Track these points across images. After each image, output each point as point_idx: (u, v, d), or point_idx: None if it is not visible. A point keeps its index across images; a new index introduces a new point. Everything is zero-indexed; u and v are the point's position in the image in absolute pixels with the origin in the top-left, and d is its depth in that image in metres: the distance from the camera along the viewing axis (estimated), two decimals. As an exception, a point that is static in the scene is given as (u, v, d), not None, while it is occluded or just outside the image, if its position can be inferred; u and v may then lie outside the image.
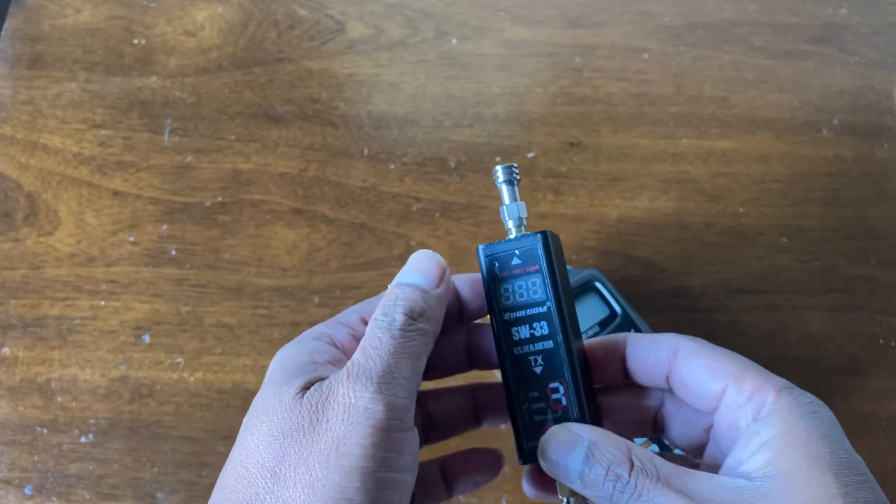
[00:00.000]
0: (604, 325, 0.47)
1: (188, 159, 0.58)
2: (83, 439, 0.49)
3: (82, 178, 0.57)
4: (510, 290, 0.32)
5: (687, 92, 0.60)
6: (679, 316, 0.53)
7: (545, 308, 0.31)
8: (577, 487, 0.28)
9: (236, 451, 0.28)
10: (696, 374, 0.30)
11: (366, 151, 0.58)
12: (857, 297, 0.54)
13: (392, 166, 0.58)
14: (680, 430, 0.32)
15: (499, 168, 0.33)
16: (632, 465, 0.27)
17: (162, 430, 0.50)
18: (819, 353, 0.52)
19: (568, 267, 0.50)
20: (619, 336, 0.32)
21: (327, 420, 0.27)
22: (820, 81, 0.61)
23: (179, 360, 0.52)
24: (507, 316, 0.32)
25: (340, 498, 0.26)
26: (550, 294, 0.31)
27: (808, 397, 0.28)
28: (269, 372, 0.30)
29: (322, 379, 0.28)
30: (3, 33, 0.63)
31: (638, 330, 0.47)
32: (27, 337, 0.52)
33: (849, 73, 0.61)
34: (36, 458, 0.49)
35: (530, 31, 0.63)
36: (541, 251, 0.31)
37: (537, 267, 0.31)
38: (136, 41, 0.62)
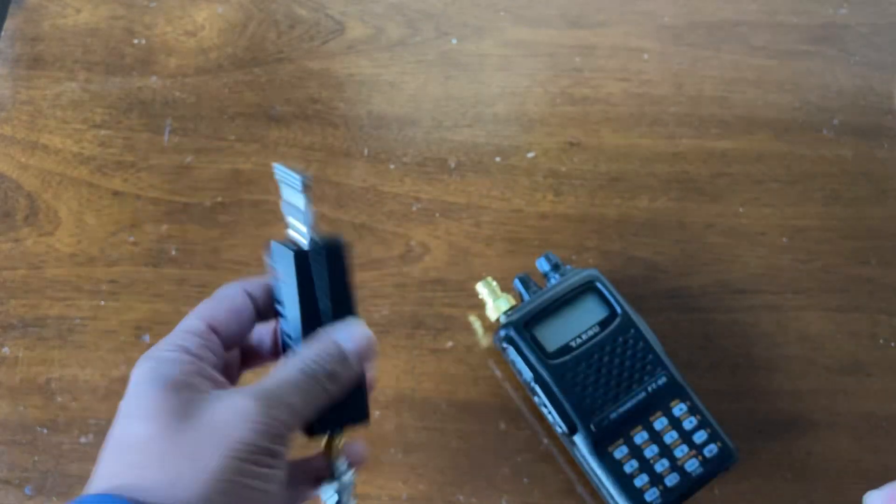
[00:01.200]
0: (604, 325, 0.47)
1: (188, 159, 0.58)
2: (83, 439, 0.49)
3: (82, 178, 0.57)
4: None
5: (687, 92, 0.60)
6: (679, 316, 0.53)
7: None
8: None
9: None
10: None
11: (366, 151, 0.58)
12: (857, 297, 0.54)
13: (392, 166, 0.58)
14: None
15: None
16: None
17: (162, 430, 0.50)
18: (819, 353, 0.52)
19: (567, 267, 0.50)
20: None
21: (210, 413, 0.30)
22: (820, 81, 0.61)
23: (179, 360, 0.52)
24: None
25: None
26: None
27: None
28: (135, 380, 0.32)
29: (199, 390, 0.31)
30: (3, 33, 0.63)
31: (638, 330, 0.47)
32: (27, 337, 0.52)
33: (849, 73, 0.61)
34: (36, 458, 0.49)
35: (530, 31, 0.63)
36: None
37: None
38: (136, 41, 0.62)
